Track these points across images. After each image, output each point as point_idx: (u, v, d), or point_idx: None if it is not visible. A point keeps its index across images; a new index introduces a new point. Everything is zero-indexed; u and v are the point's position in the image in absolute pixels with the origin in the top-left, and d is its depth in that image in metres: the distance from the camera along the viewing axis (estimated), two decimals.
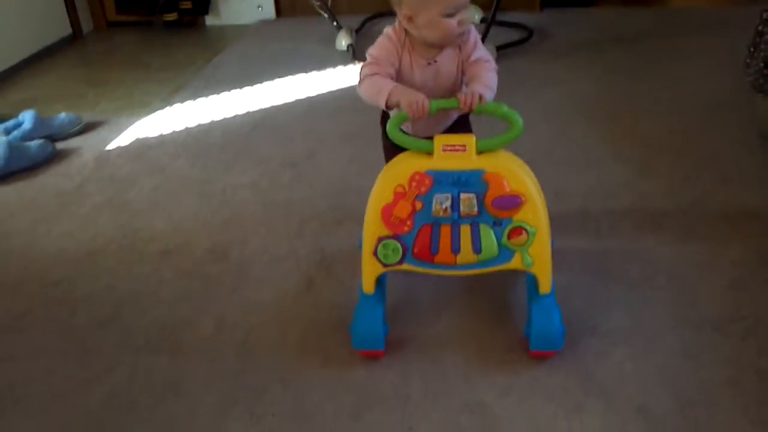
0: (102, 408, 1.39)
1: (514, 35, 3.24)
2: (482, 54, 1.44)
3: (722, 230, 1.81)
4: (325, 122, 2.57)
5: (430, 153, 1.35)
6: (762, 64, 2.04)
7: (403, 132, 1.42)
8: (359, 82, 1.42)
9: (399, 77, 1.43)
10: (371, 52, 1.44)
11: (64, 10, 3.73)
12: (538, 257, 1.39)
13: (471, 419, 1.31)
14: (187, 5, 3.82)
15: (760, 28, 2.05)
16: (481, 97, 1.32)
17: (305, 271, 1.75)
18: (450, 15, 1.35)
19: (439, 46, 1.41)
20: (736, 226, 1.82)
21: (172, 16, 3.84)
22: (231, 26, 3.87)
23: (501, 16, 3.25)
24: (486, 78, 1.39)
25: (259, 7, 3.87)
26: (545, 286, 1.41)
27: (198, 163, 2.34)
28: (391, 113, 1.40)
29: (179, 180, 2.23)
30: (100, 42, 3.81)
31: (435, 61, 1.42)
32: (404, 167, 1.36)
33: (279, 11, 3.89)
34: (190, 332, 1.57)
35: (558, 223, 1.77)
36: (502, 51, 3.02)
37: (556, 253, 1.44)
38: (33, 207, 2.13)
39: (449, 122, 1.51)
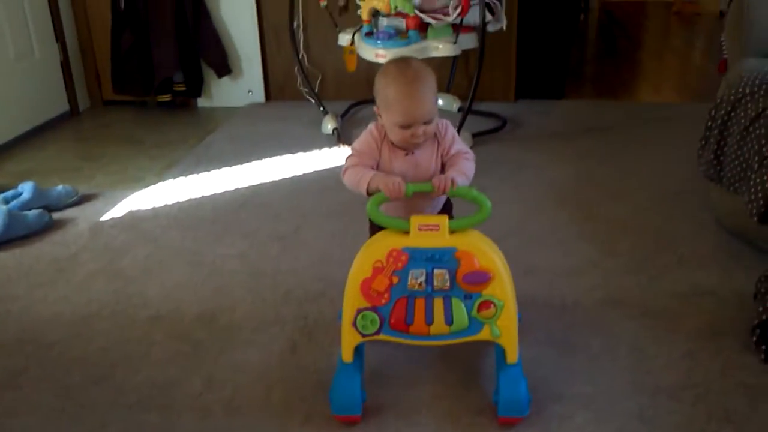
0: None
1: (490, 124, 3.45)
2: (460, 147, 1.59)
3: (678, 306, 1.95)
4: (311, 200, 2.72)
5: (406, 232, 1.46)
6: (712, 156, 2.24)
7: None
8: (343, 171, 1.57)
9: (380, 168, 1.57)
10: (354, 146, 1.59)
11: (63, 88, 3.91)
12: (505, 329, 1.49)
13: None
14: (181, 87, 4.00)
15: (709, 123, 2.26)
16: (453, 182, 1.45)
17: (290, 336, 1.86)
18: (404, 127, 1.49)
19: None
20: (690, 302, 1.96)
21: (166, 97, 4.02)
22: (222, 108, 4.06)
23: (477, 106, 3.47)
24: (462, 166, 1.53)
25: (249, 91, 4.07)
26: (512, 356, 1.51)
27: (189, 235, 2.46)
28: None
29: (171, 250, 2.35)
30: (96, 119, 3.97)
31: (412, 153, 1.56)
32: (383, 244, 1.47)
33: (268, 95, 4.10)
34: (180, 391, 1.66)
35: (526, 297, 1.92)
36: (477, 138, 3.23)
37: (524, 326, 1.58)
38: (30, 273, 2.23)
39: (434, 209, 1.66)
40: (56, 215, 2.61)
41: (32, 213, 2.49)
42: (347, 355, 1.52)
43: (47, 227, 2.51)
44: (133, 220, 2.60)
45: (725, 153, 2.18)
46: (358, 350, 1.54)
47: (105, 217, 2.63)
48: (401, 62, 1.55)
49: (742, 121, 2.10)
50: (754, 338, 1.72)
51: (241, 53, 4.00)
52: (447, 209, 1.70)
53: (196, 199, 2.77)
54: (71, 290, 2.13)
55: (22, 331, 1.93)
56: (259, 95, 4.08)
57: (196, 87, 4.04)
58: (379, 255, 1.45)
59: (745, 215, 2.04)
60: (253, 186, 2.88)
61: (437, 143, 1.57)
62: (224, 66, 3.97)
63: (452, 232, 1.46)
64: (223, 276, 2.18)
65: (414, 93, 1.48)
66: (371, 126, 1.59)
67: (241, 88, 4.07)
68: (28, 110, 3.63)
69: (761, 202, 1.96)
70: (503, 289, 1.47)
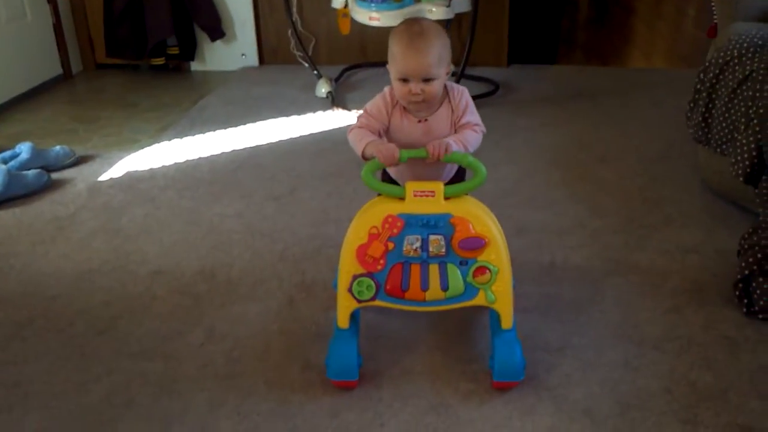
0: (101, 405, 1.53)
1: (482, 88, 3.48)
2: (471, 118, 1.56)
3: (664, 263, 2.01)
4: (306, 162, 2.76)
5: (402, 198, 1.46)
6: (700, 118, 2.28)
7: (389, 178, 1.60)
8: (350, 129, 1.56)
9: (390, 133, 1.57)
10: (366, 106, 1.58)
11: (56, 51, 3.90)
12: (500, 294, 1.50)
13: (436, 418, 1.47)
14: (174, 51, 4.01)
15: (698, 86, 2.31)
16: (447, 148, 1.43)
17: (287, 291, 1.91)
18: (403, 80, 1.49)
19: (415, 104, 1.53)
20: (676, 259, 2.03)
21: (159, 61, 4.02)
22: (216, 72, 4.07)
23: (470, 71, 3.50)
24: (465, 134, 1.52)
25: (242, 54, 4.08)
26: (507, 321, 1.52)
27: (186, 194, 2.50)
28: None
29: (169, 209, 2.39)
30: (89, 82, 3.98)
31: (425, 120, 1.55)
32: (378, 210, 1.47)
33: (262, 59, 4.11)
34: (182, 342, 1.72)
35: (517, 254, 1.97)
36: None
37: (515, 280, 1.59)
38: (31, 231, 2.27)
39: (446, 176, 1.62)
40: (54, 175, 2.64)
41: (31, 173, 2.52)
42: (343, 321, 1.53)
43: (46, 187, 2.55)
44: (131, 180, 2.64)
45: (713, 115, 2.23)
46: (354, 316, 1.55)
47: (103, 178, 2.66)
48: (413, 19, 1.55)
49: (730, 83, 2.15)
50: (737, 292, 1.79)
51: (234, 17, 4.00)
52: (460, 177, 1.67)
53: (192, 160, 2.80)
54: (72, 247, 2.17)
55: (25, 285, 1.98)
56: (253, 59, 4.09)
57: (190, 50, 4.04)
58: (375, 221, 1.46)
59: (731, 176, 2.10)
60: (248, 148, 2.91)
61: (451, 110, 1.56)
62: (217, 29, 3.97)
63: (447, 198, 1.47)
64: (221, 234, 2.22)
65: (414, 45, 1.47)
66: (386, 89, 1.57)
67: (235, 51, 4.07)
68: (21, 73, 3.63)
69: (746, 163, 2.01)
70: (498, 254, 1.48)
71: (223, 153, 2.86)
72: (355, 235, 1.48)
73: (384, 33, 3.65)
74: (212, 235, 2.22)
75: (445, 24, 3.45)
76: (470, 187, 1.49)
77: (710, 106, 2.25)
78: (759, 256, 1.75)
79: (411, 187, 1.45)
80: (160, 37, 3.89)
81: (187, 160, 2.80)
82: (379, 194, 1.54)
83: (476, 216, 1.46)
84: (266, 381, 1.58)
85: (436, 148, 1.44)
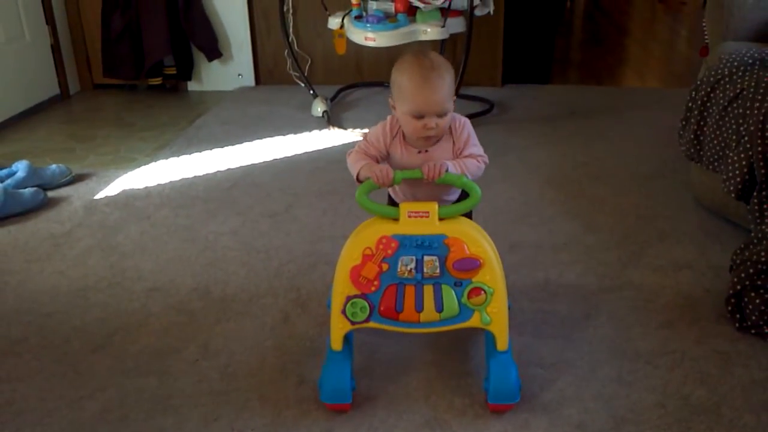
0: (95, 421, 1.52)
1: (477, 107, 3.51)
2: (474, 150, 1.54)
3: (657, 279, 2.02)
4: (302, 180, 2.77)
5: (396, 219, 1.45)
6: (692, 136, 2.31)
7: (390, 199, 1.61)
8: (349, 153, 1.57)
9: (390, 163, 1.56)
10: (367, 134, 1.59)
11: (54, 71, 3.93)
12: (495, 316, 1.48)
13: None
14: (172, 71, 4.04)
15: (689, 104, 2.33)
16: (441, 169, 1.43)
17: (282, 307, 1.92)
18: (417, 117, 1.48)
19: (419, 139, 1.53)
20: (669, 275, 2.04)
21: (156, 81, 4.05)
22: (212, 92, 4.09)
23: (464, 91, 3.53)
24: (466, 161, 1.51)
25: (239, 74, 4.11)
26: (503, 343, 1.50)
27: (182, 212, 2.51)
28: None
29: (164, 227, 2.40)
30: (86, 102, 4.00)
31: (426, 151, 1.54)
32: (372, 231, 1.46)
33: (258, 79, 4.14)
34: (177, 358, 1.72)
35: (511, 270, 1.98)
36: None
37: (509, 295, 1.57)
38: (26, 249, 2.28)
39: (451, 197, 1.62)
40: (51, 194, 2.65)
41: (27, 191, 2.53)
42: (336, 343, 1.51)
43: (42, 205, 2.55)
44: (127, 198, 2.65)
45: (705, 133, 2.25)
46: (348, 338, 1.53)
47: (99, 196, 2.67)
48: (419, 52, 1.52)
49: (721, 101, 2.17)
50: (729, 308, 1.80)
51: (231, 37, 4.04)
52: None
53: (188, 178, 2.81)
54: (67, 264, 2.17)
55: (21, 303, 1.98)
56: (249, 79, 4.12)
57: (187, 70, 4.07)
58: (369, 242, 1.45)
59: (723, 193, 2.12)
60: (244, 166, 2.93)
61: (452, 142, 1.55)
62: (214, 50, 4.00)
63: (442, 219, 1.46)
64: (216, 251, 2.23)
65: (428, 81, 1.46)
66: (388, 119, 1.57)
67: (231, 71, 4.10)
68: (19, 93, 3.65)
69: (738, 180, 2.03)
70: (493, 275, 1.46)
71: (218, 171, 2.88)
72: (349, 255, 1.47)
73: (379, 53, 3.71)
74: (207, 252, 2.23)
75: (439, 44, 3.49)
76: (464, 208, 1.48)
77: (702, 123, 2.27)
78: (751, 271, 1.77)
79: (405, 208, 1.45)
80: (158, 57, 3.92)
81: (183, 179, 2.81)
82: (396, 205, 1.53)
83: (471, 237, 1.45)
84: (261, 397, 1.58)
85: (431, 169, 1.44)
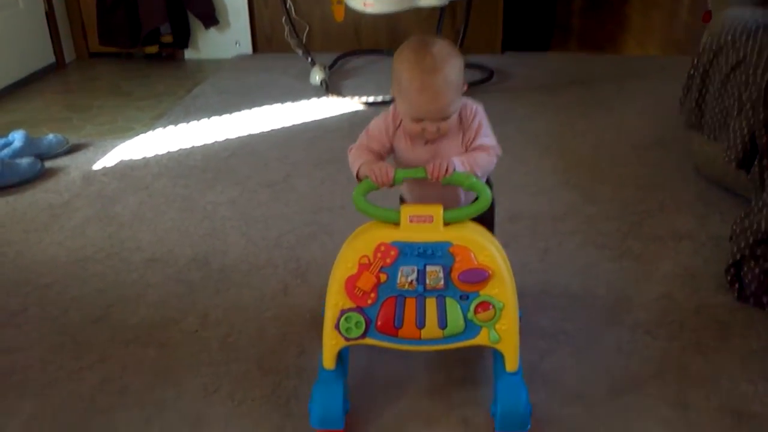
0: (95, 392, 1.53)
1: (476, 75, 3.48)
2: (485, 141, 1.39)
3: (657, 249, 2.02)
4: (300, 149, 2.75)
5: (396, 223, 1.31)
6: (693, 104, 2.29)
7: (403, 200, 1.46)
8: (350, 148, 1.44)
9: (395, 156, 1.44)
10: (369, 126, 1.44)
11: (48, 39, 3.88)
12: (505, 333, 1.34)
13: None
14: (168, 39, 3.99)
15: (691, 71, 2.31)
16: (448, 168, 1.29)
17: (282, 277, 1.92)
18: (417, 120, 1.33)
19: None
20: (668, 246, 2.03)
21: (152, 49, 4.01)
22: (209, 60, 4.05)
23: (464, 58, 3.48)
24: (475, 155, 1.36)
25: (236, 42, 4.07)
26: (512, 363, 1.36)
27: (180, 182, 2.50)
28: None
29: (162, 197, 2.39)
30: (82, 71, 3.96)
31: (433, 142, 1.38)
32: (369, 237, 1.32)
33: (256, 47, 4.09)
34: (177, 329, 1.72)
35: (511, 240, 1.98)
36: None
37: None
38: (24, 219, 2.27)
39: (465, 200, 1.46)
40: (48, 164, 2.63)
41: (24, 161, 2.51)
42: (329, 362, 1.37)
43: (39, 175, 2.54)
44: (125, 168, 2.63)
45: (706, 101, 2.24)
46: (341, 355, 1.41)
47: (96, 166, 2.65)
48: (422, 46, 1.32)
49: (723, 69, 2.15)
50: (729, 277, 1.80)
51: (228, 4, 3.99)
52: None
53: (186, 148, 2.79)
54: (65, 235, 2.17)
55: (19, 273, 1.97)
56: (246, 47, 4.08)
57: (183, 38, 4.03)
58: (366, 250, 1.31)
59: (724, 163, 2.10)
60: (242, 136, 2.90)
61: (462, 131, 1.39)
62: (211, 17, 3.95)
63: (447, 224, 1.32)
64: (214, 221, 2.22)
65: (428, 86, 1.29)
66: (391, 108, 1.43)
67: (228, 39, 4.06)
68: (13, 62, 3.61)
69: (739, 148, 2.02)
70: (503, 288, 1.32)
71: (216, 141, 2.86)
72: (344, 265, 1.32)
73: (378, 20, 3.67)
74: (206, 222, 2.22)
75: (439, 11, 3.45)
76: (473, 212, 1.34)
77: (703, 91, 2.25)
78: (751, 240, 1.76)
79: (406, 211, 1.31)
80: (154, 25, 3.87)
81: (181, 148, 2.79)
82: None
83: (479, 244, 1.31)
84: (261, 367, 1.58)
85: (436, 168, 1.29)
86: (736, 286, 1.78)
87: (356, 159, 1.40)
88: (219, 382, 1.54)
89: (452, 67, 1.31)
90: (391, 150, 1.44)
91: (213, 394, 1.51)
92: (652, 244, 2.04)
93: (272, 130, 2.97)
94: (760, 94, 1.96)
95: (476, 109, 1.40)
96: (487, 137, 1.40)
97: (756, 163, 1.98)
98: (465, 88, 1.36)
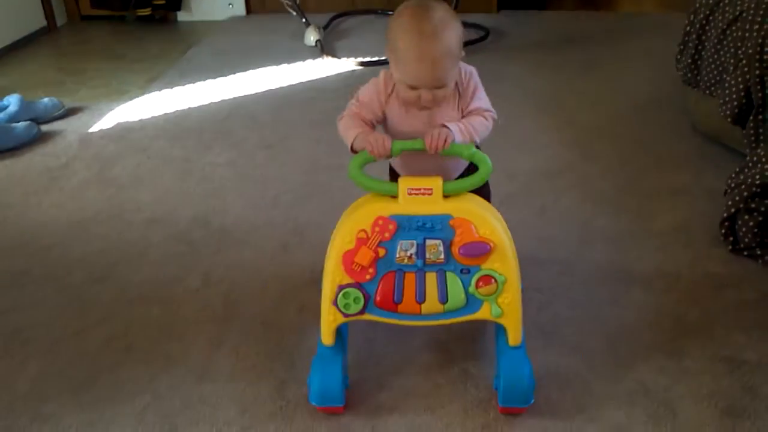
0: (101, 349, 1.55)
1: (472, 35, 3.46)
2: (481, 104, 1.36)
3: (652, 204, 2.04)
4: (296, 110, 2.75)
5: (394, 196, 1.28)
6: (690, 60, 2.29)
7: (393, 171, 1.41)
8: (340, 117, 1.39)
9: (388, 123, 1.38)
10: (358, 93, 1.39)
11: (39, 3, 3.84)
12: (507, 307, 1.31)
13: None
14: (161, 1, 3.95)
15: (687, 27, 2.31)
16: (447, 138, 1.25)
17: (281, 236, 1.93)
18: (412, 87, 1.29)
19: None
20: (664, 200, 2.05)
21: (145, 11, 3.97)
22: (202, 22, 4.02)
23: (460, 17, 3.44)
24: (473, 121, 1.33)
25: (230, 4, 4.03)
26: (515, 337, 1.34)
27: (177, 144, 2.50)
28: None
29: (161, 159, 2.40)
30: (74, 34, 3.92)
31: (428, 107, 1.33)
32: (367, 211, 1.28)
33: (249, 8, 4.05)
34: (180, 287, 1.74)
35: (507, 198, 2.01)
36: None
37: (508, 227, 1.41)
38: (23, 182, 2.27)
39: (458, 169, 1.43)
40: (44, 127, 2.63)
41: (21, 125, 2.51)
42: (327, 338, 1.35)
43: (36, 139, 2.54)
44: (121, 131, 2.63)
45: (702, 57, 2.24)
46: (340, 332, 1.38)
47: (93, 129, 2.65)
48: (421, 10, 1.27)
49: (720, 24, 2.14)
50: (723, 231, 1.82)
51: None
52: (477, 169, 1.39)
53: (182, 110, 2.79)
54: (65, 197, 2.18)
55: (21, 235, 1.99)
56: (240, 8, 4.04)
57: (176, 0, 3.98)
58: (363, 224, 1.27)
59: (719, 118, 2.12)
60: (238, 97, 2.90)
61: (458, 95, 1.35)
62: None
63: (447, 196, 1.28)
64: (213, 182, 2.23)
65: (427, 53, 1.24)
66: (381, 74, 1.37)
67: (222, 1, 4.02)
68: (4, 26, 3.57)
69: (735, 104, 2.03)
70: (506, 261, 1.29)
71: (212, 102, 2.85)
72: (341, 239, 1.29)
73: None
74: (205, 183, 2.23)
75: None
76: (473, 183, 1.30)
77: (700, 47, 2.25)
78: (745, 194, 1.78)
79: (405, 183, 1.27)
80: None
81: (177, 110, 2.79)
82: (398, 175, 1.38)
83: (480, 217, 1.28)
84: (263, 323, 1.61)
85: (435, 138, 1.25)
86: (731, 239, 1.80)
87: (349, 129, 1.34)
88: (222, 337, 1.57)
89: (451, 34, 1.26)
90: (383, 118, 1.38)
91: (217, 349, 1.54)
92: (648, 199, 2.06)
93: (268, 91, 2.96)
94: (756, 50, 1.96)
95: (471, 72, 1.37)
96: (482, 100, 1.37)
97: (751, 118, 1.99)
98: (462, 54, 1.33)
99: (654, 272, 1.75)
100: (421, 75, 1.27)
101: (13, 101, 2.63)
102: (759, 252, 1.76)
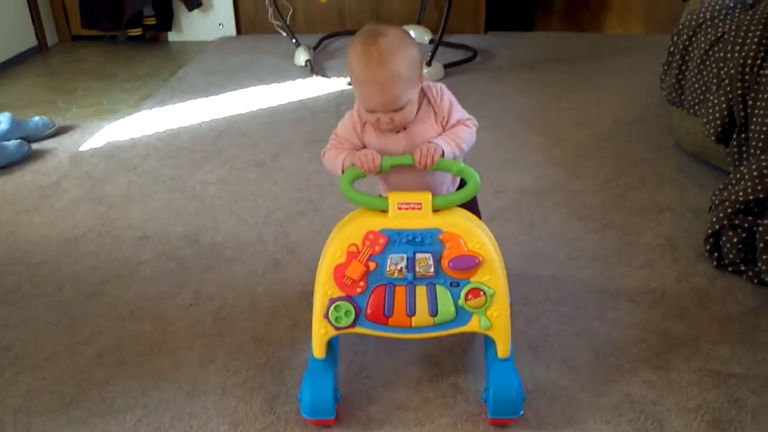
0: (93, 365, 1.56)
1: (460, 55, 3.50)
2: (461, 115, 1.39)
3: (638, 221, 2.07)
4: (287, 129, 2.77)
5: (384, 211, 1.31)
6: (674, 80, 2.33)
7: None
8: (323, 153, 1.42)
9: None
10: (336, 129, 1.43)
11: (30, 22, 3.85)
12: (496, 320, 1.34)
13: None
14: (151, 21, 3.98)
15: (671, 48, 2.35)
16: (435, 154, 1.28)
17: (272, 253, 1.95)
18: (370, 111, 1.31)
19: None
20: (650, 217, 2.08)
21: (136, 32, 3.99)
22: (193, 42, 4.04)
23: (448, 38, 3.51)
24: (458, 131, 1.36)
25: (220, 24, 4.06)
26: (504, 350, 1.36)
27: (168, 162, 2.51)
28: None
29: (151, 177, 2.41)
30: (65, 54, 3.94)
31: (404, 129, 1.36)
32: (358, 225, 1.31)
33: (239, 28, 4.09)
34: (170, 303, 1.75)
35: (496, 215, 2.03)
36: (449, 69, 3.29)
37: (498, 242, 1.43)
38: (14, 200, 2.28)
39: (452, 182, 1.45)
40: (35, 146, 2.64)
41: (12, 143, 2.52)
42: (319, 351, 1.36)
43: (27, 157, 2.55)
44: (112, 149, 2.64)
45: (686, 77, 2.28)
46: (331, 345, 1.40)
47: (84, 147, 2.66)
48: (369, 36, 1.29)
49: (703, 45, 2.19)
50: (708, 247, 1.85)
51: None
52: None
53: (173, 129, 2.81)
54: (56, 215, 2.18)
55: (12, 252, 1.99)
56: (230, 29, 4.07)
57: (167, 21, 4.01)
58: (354, 238, 1.30)
59: (703, 137, 2.16)
60: (229, 116, 2.92)
61: (433, 112, 1.38)
62: None
63: (436, 210, 1.31)
64: (204, 200, 2.25)
65: (374, 80, 1.27)
66: (355, 107, 1.39)
67: (212, 21, 4.05)
68: None
69: (718, 123, 2.07)
70: (494, 275, 1.32)
71: (203, 122, 2.87)
72: (332, 253, 1.32)
73: (362, 0, 3.66)
74: (195, 201, 2.24)
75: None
76: (462, 198, 1.34)
77: (683, 68, 2.29)
78: (729, 210, 1.81)
79: (395, 198, 1.30)
80: (137, 8, 3.85)
81: (168, 129, 2.81)
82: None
83: (469, 231, 1.31)
84: (254, 338, 1.62)
85: (424, 155, 1.28)
86: (715, 254, 1.83)
87: (335, 157, 1.37)
88: (214, 353, 1.58)
89: (401, 59, 1.27)
90: (364, 147, 1.39)
91: (208, 365, 1.55)
92: (634, 216, 2.09)
93: (259, 110, 2.98)
94: (738, 70, 2.01)
95: (441, 88, 1.40)
96: (460, 111, 1.40)
97: (734, 136, 2.03)
98: (423, 77, 1.35)
99: (640, 287, 1.78)
100: (371, 98, 1.29)
101: (4, 120, 2.63)
102: (743, 267, 1.79)
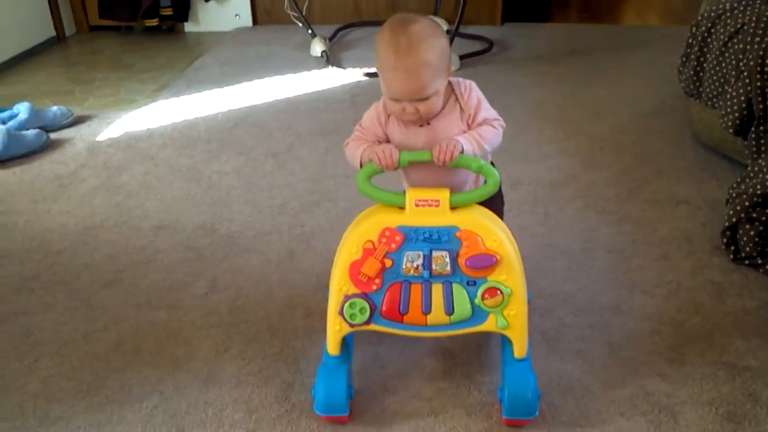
0: (110, 352, 1.58)
1: (477, 46, 3.49)
2: (488, 114, 1.37)
3: (655, 213, 2.06)
4: (303, 119, 2.78)
5: (402, 207, 1.30)
6: (692, 72, 2.31)
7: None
8: (346, 143, 1.41)
9: (394, 144, 1.36)
10: (362, 120, 1.41)
11: (49, 13, 3.89)
12: (513, 319, 1.32)
13: None
14: (168, 11, 4.00)
15: (690, 39, 2.33)
16: (455, 150, 1.26)
17: (287, 243, 1.96)
18: (395, 100, 1.30)
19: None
20: (666, 210, 2.07)
21: (153, 22, 4.01)
22: (209, 33, 4.06)
23: (464, 29, 3.51)
24: (481, 131, 1.33)
25: (236, 15, 4.07)
26: (521, 350, 1.35)
27: (185, 153, 2.53)
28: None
29: (168, 167, 2.43)
30: (82, 44, 3.97)
31: (428, 123, 1.35)
32: (374, 222, 1.30)
33: (256, 19, 4.10)
34: (187, 292, 1.77)
35: (512, 206, 2.02)
36: (465, 60, 3.28)
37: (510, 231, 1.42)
38: (32, 189, 2.30)
39: (464, 186, 1.41)
40: (53, 135, 2.66)
41: (30, 133, 2.54)
42: (333, 348, 1.35)
43: (45, 146, 2.57)
44: (129, 139, 2.66)
45: (704, 68, 2.26)
46: (346, 342, 1.38)
47: (101, 137, 2.68)
48: (399, 23, 1.28)
49: (722, 36, 2.17)
50: (724, 240, 1.84)
51: None
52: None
53: (189, 119, 2.82)
54: (74, 204, 2.20)
55: (30, 241, 2.01)
56: (247, 19, 4.09)
57: (183, 11, 4.03)
58: (370, 234, 1.29)
59: (721, 129, 2.14)
60: (245, 107, 2.93)
61: (459, 108, 1.35)
62: None
63: (454, 207, 1.30)
64: (220, 190, 2.26)
65: (401, 67, 1.25)
66: (382, 97, 1.37)
67: (228, 12, 4.07)
68: (14, 36, 3.62)
69: (736, 115, 2.05)
70: (512, 274, 1.30)
71: (219, 112, 2.89)
72: (348, 250, 1.30)
73: None
74: (212, 191, 2.26)
75: None
76: (481, 195, 1.31)
77: (702, 59, 2.27)
78: (746, 204, 1.80)
79: (412, 195, 1.29)
80: None
81: (185, 119, 2.82)
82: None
83: (487, 229, 1.29)
84: (269, 328, 1.63)
85: (443, 151, 1.26)
86: (732, 248, 1.82)
87: (355, 149, 1.37)
88: (229, 342, 1.59)
89: (429, 47, 1.26)
90: (387, 140, 1.39)
91: (224, 353, 1.56)
92: (650, 208, 2.08)
93: (275, 101, 2.99)
94: (757, 62, 1.98)
95: (470, 85, 1.38)
96: (488, 110, 1.38)
97: (752, 129, 2.02)
98: (451, 69, 1.33)
99: (656, 280, 1.77)
100: (397, 86, 1.28)
101: (23, 109, 2.66)
102: (760, 261, 1.77)
